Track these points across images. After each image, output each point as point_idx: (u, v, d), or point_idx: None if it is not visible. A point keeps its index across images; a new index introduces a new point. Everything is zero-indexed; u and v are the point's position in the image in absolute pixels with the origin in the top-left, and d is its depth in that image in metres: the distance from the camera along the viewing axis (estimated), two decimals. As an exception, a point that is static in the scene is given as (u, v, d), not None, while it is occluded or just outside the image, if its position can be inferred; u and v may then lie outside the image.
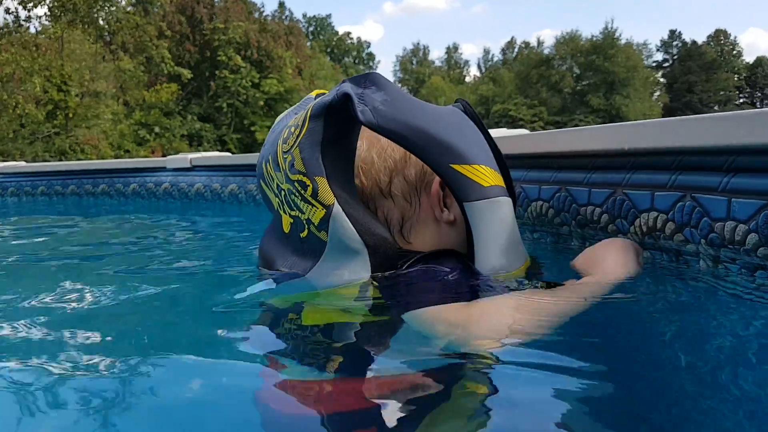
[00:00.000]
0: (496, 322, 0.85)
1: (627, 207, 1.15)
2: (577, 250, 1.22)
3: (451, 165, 1.02)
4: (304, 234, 1.06)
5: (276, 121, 1.26)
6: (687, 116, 1.06)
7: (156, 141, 23.50)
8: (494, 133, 1.82)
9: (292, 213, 1.08)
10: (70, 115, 18.85)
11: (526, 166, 1.47)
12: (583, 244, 1.30)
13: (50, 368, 0.85)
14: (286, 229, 1.12)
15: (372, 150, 1.13)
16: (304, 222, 1.05)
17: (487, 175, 1.04)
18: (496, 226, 1.04)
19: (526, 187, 1.44)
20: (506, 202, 1.05)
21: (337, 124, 1.02)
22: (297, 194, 1.04)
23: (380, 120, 1.00)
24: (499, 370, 0.78)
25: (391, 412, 0.69)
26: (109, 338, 1.01)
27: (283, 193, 1.10)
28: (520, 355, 0.80)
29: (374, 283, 1.01)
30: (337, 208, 1.00)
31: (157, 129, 23.75)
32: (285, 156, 1.06)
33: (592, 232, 1.26)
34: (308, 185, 1.01)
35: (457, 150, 1.02)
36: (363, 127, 1.03)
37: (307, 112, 1.04)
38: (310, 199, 1.02)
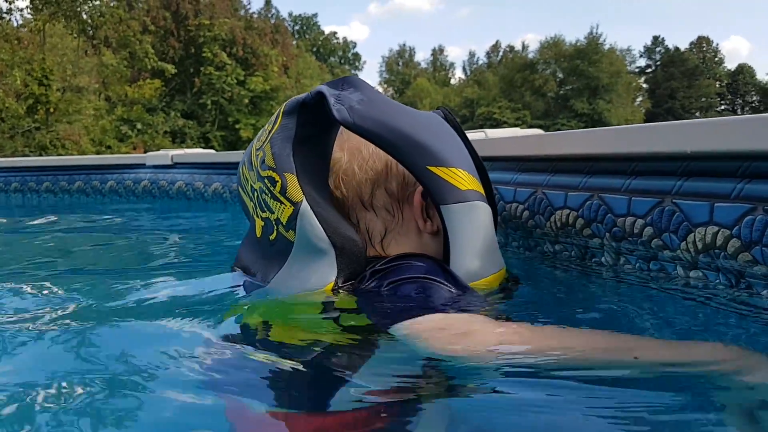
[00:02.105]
0: (472, 341, 0.82)
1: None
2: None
3: (428, 167, 1.01)
4: (273, 236, 1.05)
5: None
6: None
7: (138, 137, 23.15)
8: (506, 133, 1.68)
9: (263, 215, 1.07)
10: (51, 109, 18.54)
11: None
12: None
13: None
14: (258, 233, 1.11)
15: (353, 162, 1.12)
16: (274, 223, 1.04)
17: (464, 178, 1.03)
18: (472, 230, 1.03)
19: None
20: (483, 207, 1.05)
21: (310, 123, 1.03)
22: (267, 192, 1.03)
23: (356, 119, 0.99)
24: (476, 388, 0.79)
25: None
26: (57, 350, 0.92)
27: (256, 194, 1.09)
28: (497, 376, 0.78)
29: (341, 290, 0.99)
30: (305, 206, 0.98)
31: (139, 125, 23.39)
32: (257, 153, 1.06)
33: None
34: (277, 181, 1.01)
35: (434, 152, 1.01)
36: (344, 139, 1.04)
37: (281, 109, 1.05)
38: (278, 195, 1.01)
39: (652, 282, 1.08)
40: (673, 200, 1.00)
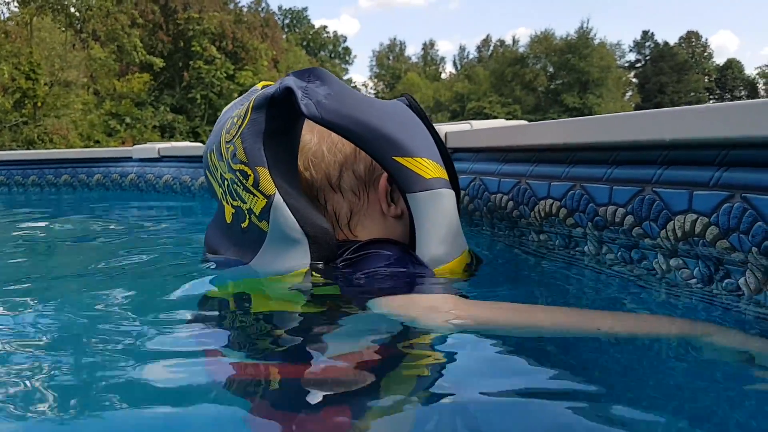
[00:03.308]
0: (440, 315, 0.88)
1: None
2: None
3: (394, 157, 1.05)
4: (245, 224, 1.09)
5: (223, 112, 1.27)
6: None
7: (127, 132, 23.02)
8: (491, 123, 1.68)
9: (234, 203, 1.10)
10: (39, 104, 18.43)
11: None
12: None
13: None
14: (228, 219, 1.14)
15: (323, 144, 1.16)
16: (246, 212, 1.07)
17: (429, 167, 1.07)
18: (438, 217, 1.07)
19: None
20: (448, 194, 1.09)
21: (279, 117, 1.05)
22: (239, 184, 1.06)
23: (324, 113, 1.02)
24: (444, 350, 0.84)
25: (339, 385, 0.73)
26: (46, 333, 0.94)
27: (226, 183, 1.11)
28: (464, 345, 0.84)
29: (314, 273, 1.04)
30: (278, 198, 1.02)
31: (128, 119, 23.26)
32: (227, 146, 1.08)
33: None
34: (249, 175, 1.03)
35: (400, 143, 1.05)
36: (314, 122, 1.05)
37: (250, 103, 1.06)
38: (251, 188, 1.04)
39: (633, 271, 1.09)
40: (654, 189, 1.00)
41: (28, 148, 17.08)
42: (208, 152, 1.18)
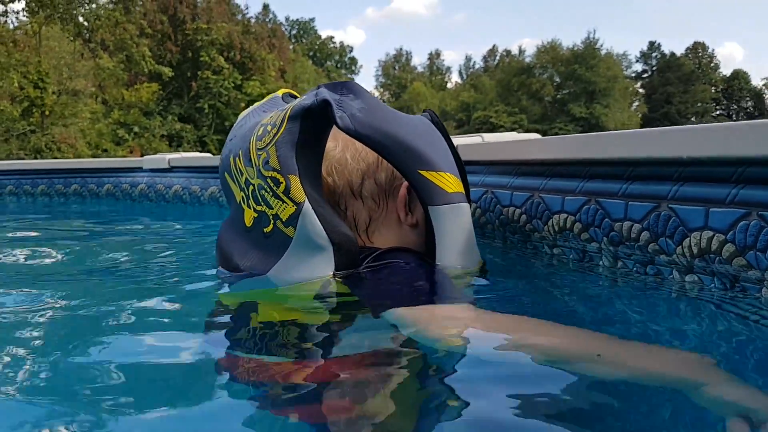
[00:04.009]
0: (456, 327, 0.89)
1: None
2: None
3: (419, 171, 1.09)
4: (268, 229, 1.11)
5: (241, 116, 1.31)
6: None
7: (135, 141, 23.09)
8: (503, 137, 1.68)
9: (258, 208, 1.12)
10: (47, 112, 18.49)
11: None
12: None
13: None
14: (248, 223, 1.16)
15: (346, 152, 1.20)
16: (271, 217, 1.09)
17: (450, 182, 1.11)
18: (457, 230, 1.12)
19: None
20: (466, 207, 1.14)
21: (313, 127, 1.07)
22: (268, 190, 1.08)
23: (357, 126, 1.06)
24: (455, 360, 0.83)
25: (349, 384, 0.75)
26: (54, 341, 0.95)
27: (251, 187, 1.13)
28: (475, 358, 0.83)
29: (338, 279, 1.06)
30: (307, 206, 1.04)
31: (136, 129, 23.34)
32: (259, 153, 1.09)
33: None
34: (281, 182, 1.06)
35: (425, 157, 1.09)
36: (338, 130, 1.08)
37: (286, 113, 1.08)
38: (281, 195, 1.06)
39: (648, 285, 1.09)
40: (669, 205, 1.00)
41: (35, 157, 17.15)
42: (232, 156, 1.20)
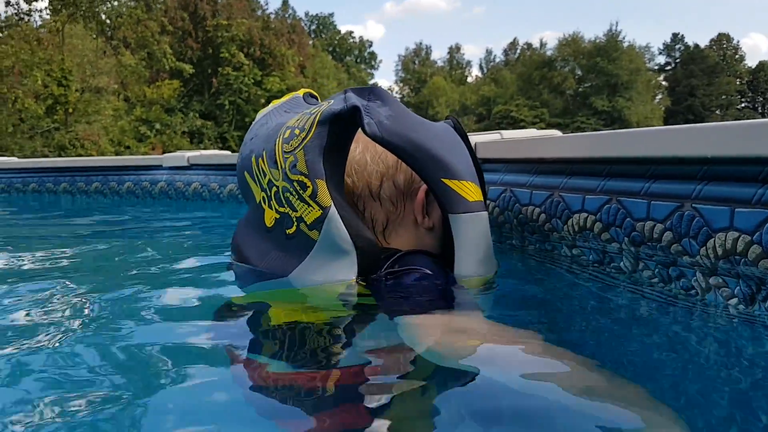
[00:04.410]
0: (466, 339, 0.89)
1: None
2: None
3: (442, 179, 1.11)
4: (291, 230, 1.12)
5: (260, 115, 1.32)
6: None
7: (156, 138, 23.28)
8: (522, 134, 1.66)
9: (281, 209, 1.13)
10: (70, 110, 18.70)
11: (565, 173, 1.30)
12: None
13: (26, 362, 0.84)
14: (269, 223, 1.18)
15: (366, 153, 1.22)
16: (294, 219, 1.11)
17: (471, 190, 1.13)
18: (476, 238, 1.13)
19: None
20: (485, 216, 1.15)
21: (340, 132, 1.09)
22: (294, 193, 1.09)
23: (384, 133, 1.08)
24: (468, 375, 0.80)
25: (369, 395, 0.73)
26: (77, 344, 0.94)
27: (274, 189, 1.14)
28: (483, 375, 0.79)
29: (360, 282, 1.08)
30: (333, 210, 1.06)
31: (157, 125, 23.53)
32: (286, 156, 1.10)
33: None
34: (308, 186, 1.07)
35: (449, 166, 1.11)
36: (358, 131, 1.10)
37: (315, 117, 1.09)
38: (308, 199, 1.07)
39: (670, 290, 1.06)
40: (693, 205, 0.97)
41: (59, 154, 17.36)
42: (254, 156, 1.21)
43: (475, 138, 1.64)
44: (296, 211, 1.10)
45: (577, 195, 1.23)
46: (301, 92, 1.35)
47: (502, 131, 1.68)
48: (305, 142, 1.08)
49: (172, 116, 24.31)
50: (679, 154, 1.02)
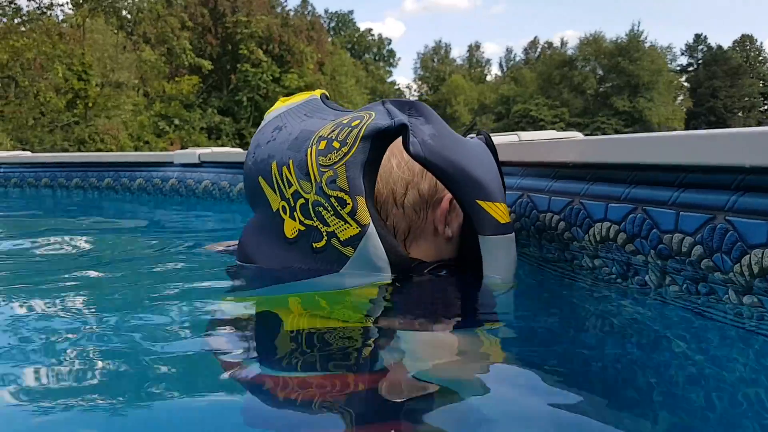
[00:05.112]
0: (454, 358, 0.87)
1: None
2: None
3: (477, 200, 1.09)
4: (320, 245, 1.10)
5: (271, 116, 1.29)
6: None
7: (175, 133, 23.42)
8: (540, 135, 1.58)
9: (307, 221, 1.10)
10: (90, 104, 18.87)
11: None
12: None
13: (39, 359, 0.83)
14: (290, 234, 1.14)
15: (392, 159, 1.18)
16: (324, 234, 1.08)
17: (504, 212, 1.13)
18: (505, 257, 1.14)
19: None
20: (513, 237, 1.15)
21: (381, 147, 1.07)
22: (329, 209, 1.07)
23: (428, 154, 1.06)
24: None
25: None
26: (88, 345, 0.90)
27: (300, 201, 1.11)
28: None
29: (390, 288, 1.07)
30: (372, 229, 1.05)
31: (176, 121, 23.68)
32: (323, 169, 1.07)
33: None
34: (348, 203, 1.05)
35: (485, 188, 1.10)
36: None
37: (360, 132, 1.06)
38: (346, 217, 1.05)
39: (698, 306, 0.98)
40: (726, 217, 0.89)
41: (79, 148, 17.52)
42: (275, 162, 1.16)
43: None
44: (328, 226, 1.08)
45: (600, 203, 1.15)
46: (317, 93, 1.31)
47: (520, 132, 1.60)
48: (348, 157, 1.06)
49: (190, 112, 24.45)
50: (713, 163, 0.93)
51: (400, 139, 1.11)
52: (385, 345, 0.93)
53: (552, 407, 0.71)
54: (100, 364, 0.81)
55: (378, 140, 1.06)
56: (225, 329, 0.97)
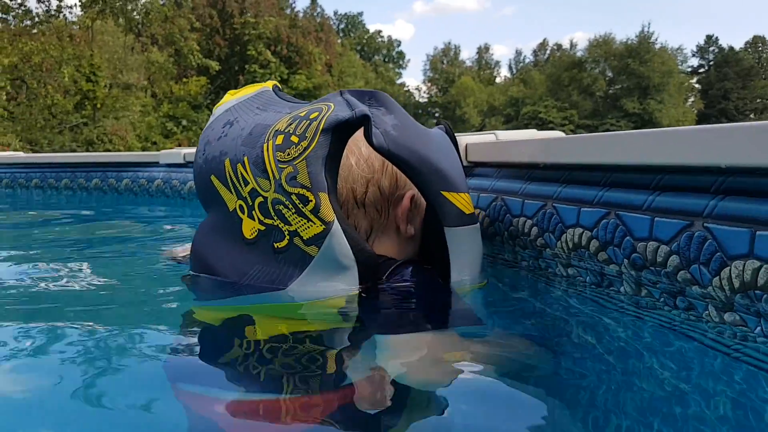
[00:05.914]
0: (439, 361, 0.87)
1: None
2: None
3: (442, 192, 1.06)
4: (281, 244, 1.04)
5: (220, 110, 1.22)
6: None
7: (183, 134, 23.44)
8: (518, 135, 1.49)
9: (267, 221, 1.04)
10: (99, 105, 18.89)
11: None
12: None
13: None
14: (249, 235, 1.08)
15: (351, 157, 1.14)
16: (286, 233, 1.02)
17: (468, 203, 1.10)
18: (472, 250, 1.12)
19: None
20: (478, 227, 1.13)
21: (342, 140, 1.02)
22: (290, 207, 1.01)
23: (391, 146, 1.02)
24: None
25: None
26: (58, 353, 0.89)
27: (259, 199, 1.05)
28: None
29: (361, 295, 1.03)
30: (337, 226, 0.99)
31: (184, 122, 23.69)
32: (282, 166, 1.01)
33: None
34: (311, 200, 0.99)
35: (450, 178, 1.07)
36: None
37: (319, 125, 1.01)
38: (308, 214, 1.00)
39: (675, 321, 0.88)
40: (705, 224, 0.79)
41: (87, 149, 17.54)
42: (228, 160, 1.10)
43: (467, 138, 1.47)
44: (289, 225, 1.02)
45: (572, 207, 1.05)
46: (269, 84, 1.26)
47: (497, 131, 1.51)
48: (308, 152, 1.00)
49: (198, 113, 24.45)
50: (689, 162, 0.83)
51: (356, 135, 1.06)
52: (356, 355, 0.90)
53: (529, 408, 0.71)
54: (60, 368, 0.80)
55: (339, 133, 1.01)
56: (184, 353, 0.92)
